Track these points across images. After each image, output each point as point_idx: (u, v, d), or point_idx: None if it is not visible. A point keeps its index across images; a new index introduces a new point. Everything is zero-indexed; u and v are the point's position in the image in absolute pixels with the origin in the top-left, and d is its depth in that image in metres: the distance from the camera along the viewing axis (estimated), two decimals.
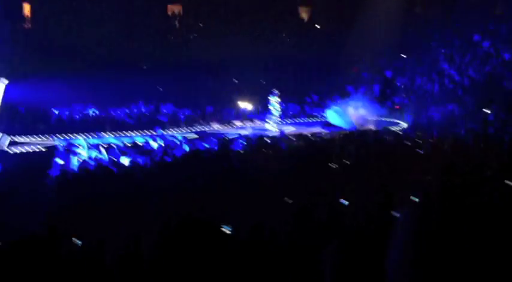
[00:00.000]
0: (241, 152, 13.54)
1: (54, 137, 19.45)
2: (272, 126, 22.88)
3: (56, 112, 22.56)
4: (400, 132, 19.74)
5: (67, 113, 22.61)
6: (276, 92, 23.19)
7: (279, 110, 23.34)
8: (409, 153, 13.40)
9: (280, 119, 23.45)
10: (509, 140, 15.15)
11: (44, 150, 17.92)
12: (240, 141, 15.84)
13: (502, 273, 3.52)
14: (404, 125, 22.68)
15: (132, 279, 4.61)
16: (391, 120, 23.54)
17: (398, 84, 26.51)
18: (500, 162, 11.09)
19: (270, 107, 23.30)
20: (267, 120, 23.71)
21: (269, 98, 23.23)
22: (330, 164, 10.34)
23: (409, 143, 15.09)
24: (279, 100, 23.25)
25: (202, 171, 9.64)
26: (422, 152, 13.46)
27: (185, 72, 25.67)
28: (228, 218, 6.41)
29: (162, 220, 5.25)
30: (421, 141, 15.75)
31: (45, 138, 19.45)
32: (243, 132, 21.82)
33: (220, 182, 8.40)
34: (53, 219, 7.24)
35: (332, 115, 23.73)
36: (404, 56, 27.86)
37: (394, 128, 21.44)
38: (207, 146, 15.56)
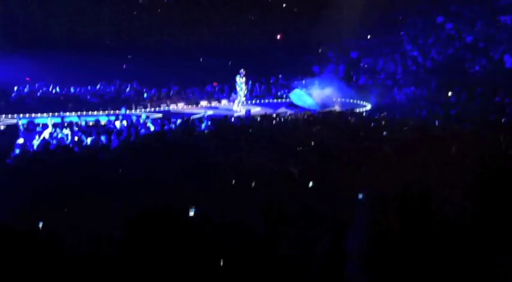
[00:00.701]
0: (206, 132, 13.45)
1: (14, 115, 18.99)
2: (238, 107, 22.85)
3: (15, 88, 21.97)
4: (364, 114, 19.92)
5: (28, 90, 22.07)
6: (243, 71, 23.08)
7: (245, 90, 23.29)
8: (373, 135, 13.52)
9: (246, 99, 23.41)
10: (469, 120, 15.47)
11: (2, 128, 17.47)
12: (205, 121, 15.74)
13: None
14: (369, 106, 22.90)
15: (94, 268, 4.55)
16: (356, 101, 23.73)
17: (362, 65, 26.73)
18: (462, 143, 11.31)
19: (237, 87, 23.23)
20: (232, 100, 23.65)
21: (236, 78, 23.11)
22: (294, 146, 10.38)
23: (373, 124, 15.26)
24: (245, 80, 23.17)
25: (165, 153, 9.58)
26: (385, 134, 13.60)
27: (150, 51, 25.40)
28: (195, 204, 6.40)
29: (125, 206, 5.19)
30: (383, 123, 15.96)
31: (5, 117, 18.98)
32: (209, 112, 21.71)
33: (184, 165, 8.34)
34: (9, 203, 7.08)
35: (296, 96, 23.81)
36: (369, 37, 28.05)
37: (358, 109, 21.64)
38: (172, 126, 15.43)
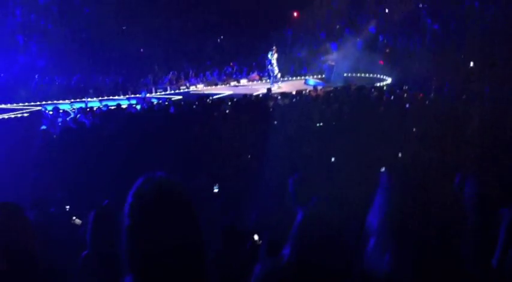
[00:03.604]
0: (225, 112, 13.48)
1: (37, 102, 19.22)
2: (278, 86, 22.28)
3: (36, 76, 22.13)
4: (385, 88, 19.72)
5: (48, 78, 22.24)
6: (274, 48, 22.14)
7: (268, 69, 22.75)
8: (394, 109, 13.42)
9: (267, 78, 23.21)
10: (489, 92, 15.21)
11: (26, 115, 17.69)
12: (224, 101, 15.75)
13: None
14: (389, 80, 22.63)
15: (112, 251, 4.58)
16: (376, 75, 23.48)
17: (381, 39, 26.38)
18: (481, 116, 11.15)
19: (268, 66, 22.51)
20: (253, 79, 23.51)
21: (268, 55, 22.26)
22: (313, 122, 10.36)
23: (392, 97, 15.15)
24: (274, 57, 22.19)
25: (184, 133, 9.65)
26: (408, 107, 13.48)
27: (167, 33, 25.42)
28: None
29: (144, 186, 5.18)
30: (405, 95, 15.84)
31: (28, 104, 19.21)
32: (228, 92, 21.68)
33: (203, 144, 8.39)
34: (34, 189, 7.21)
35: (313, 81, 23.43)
36: (387, 11, 27.64)
37: (379, 84, 21.43)
38: (193, 107, 15.45)
